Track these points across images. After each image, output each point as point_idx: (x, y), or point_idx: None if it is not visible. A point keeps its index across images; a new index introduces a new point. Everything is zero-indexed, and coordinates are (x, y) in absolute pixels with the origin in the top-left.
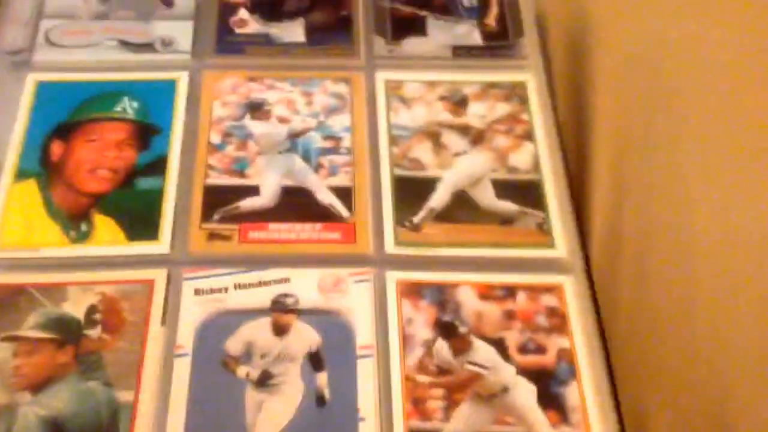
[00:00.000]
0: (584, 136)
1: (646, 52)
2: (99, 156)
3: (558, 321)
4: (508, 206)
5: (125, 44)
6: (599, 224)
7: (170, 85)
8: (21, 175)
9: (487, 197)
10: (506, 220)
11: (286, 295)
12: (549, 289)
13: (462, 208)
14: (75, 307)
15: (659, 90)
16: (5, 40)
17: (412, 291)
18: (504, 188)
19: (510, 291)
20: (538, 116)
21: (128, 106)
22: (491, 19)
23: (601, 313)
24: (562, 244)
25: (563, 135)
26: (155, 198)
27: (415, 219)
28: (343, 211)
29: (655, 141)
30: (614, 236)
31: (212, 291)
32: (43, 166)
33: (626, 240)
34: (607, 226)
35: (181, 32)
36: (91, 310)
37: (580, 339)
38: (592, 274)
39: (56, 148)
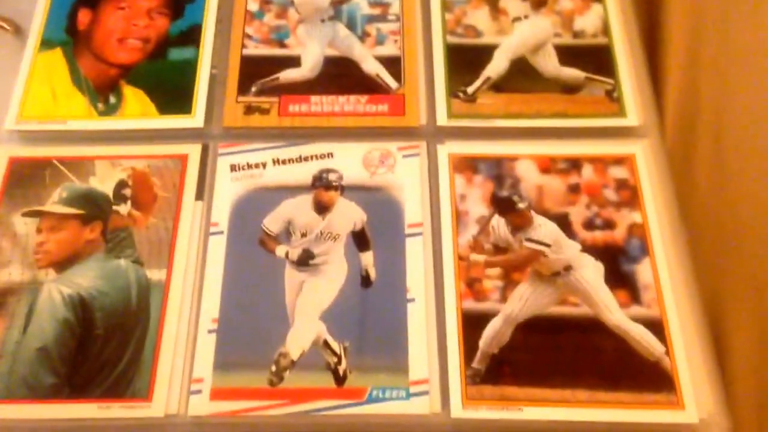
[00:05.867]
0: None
1: None
2: (128, 24)
3: (628, 194)
4: (573, 73)
5: None
6: (673, 93)
7: None
8: (46, 44)
9: (550, 64)
10: (571, 88)
11: (328, 171)
12: (619, 161)
13: (522, 76)
14: (103, 182)
15: None
16: None
17: (466, 165)
18: (569, 54)
19: (574, 163)
20: None
21: None
22: None
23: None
24: (634, 111)
25: None
26: (189, 69)
27: (470, 89)
28: (391, 81)
29: None
30: (690, 105)
31: (249, 167)
32: (69, 35)
33: (703, 109)
34: (682, 95)
35: None
36: (120, 185)
37: (653, 212)
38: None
39: (83, 16)
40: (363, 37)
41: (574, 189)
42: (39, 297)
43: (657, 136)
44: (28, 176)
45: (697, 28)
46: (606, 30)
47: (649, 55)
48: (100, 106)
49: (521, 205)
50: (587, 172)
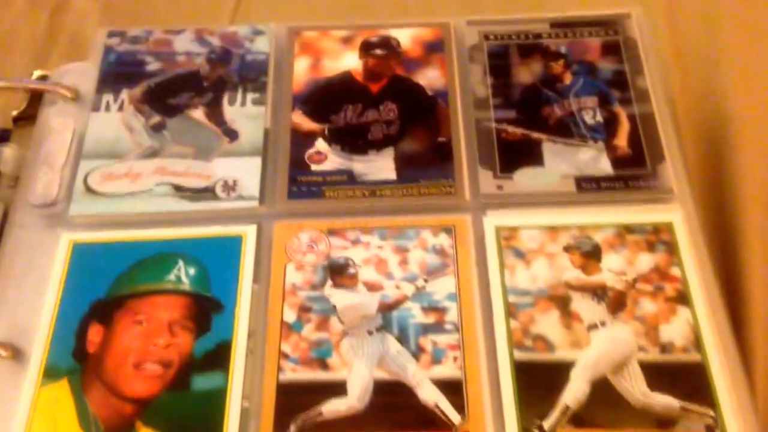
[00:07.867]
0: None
1: None
2: (147, 344)
3: None
4: (665, 401)
5: (179, 189)
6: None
7: (234, 243)
8: (50, 374)
9: (636, 389)
10: (665, 422)
11: None
12: None
13: (605, 405)
14: None
15: None
16: (35, 190)
17: None
18: (658, 374)
19: None
20: (693, 270)
21: (183, 274)
22: (622, 140)
23: None
24: None
25: None
26: (216, 402)
27: (546, 424)
28: (453, 414)
29: None
30: None
31: None
32: (77, 360)
33: None
34: None
35: (247, 171)
36: None
37: None
38: None
39: (94, 334)
40: (417, 353)
41: None
42: None
43: None
44: None
45: None
46: (698, 342)
47: None
48: None
49: None
50: None
